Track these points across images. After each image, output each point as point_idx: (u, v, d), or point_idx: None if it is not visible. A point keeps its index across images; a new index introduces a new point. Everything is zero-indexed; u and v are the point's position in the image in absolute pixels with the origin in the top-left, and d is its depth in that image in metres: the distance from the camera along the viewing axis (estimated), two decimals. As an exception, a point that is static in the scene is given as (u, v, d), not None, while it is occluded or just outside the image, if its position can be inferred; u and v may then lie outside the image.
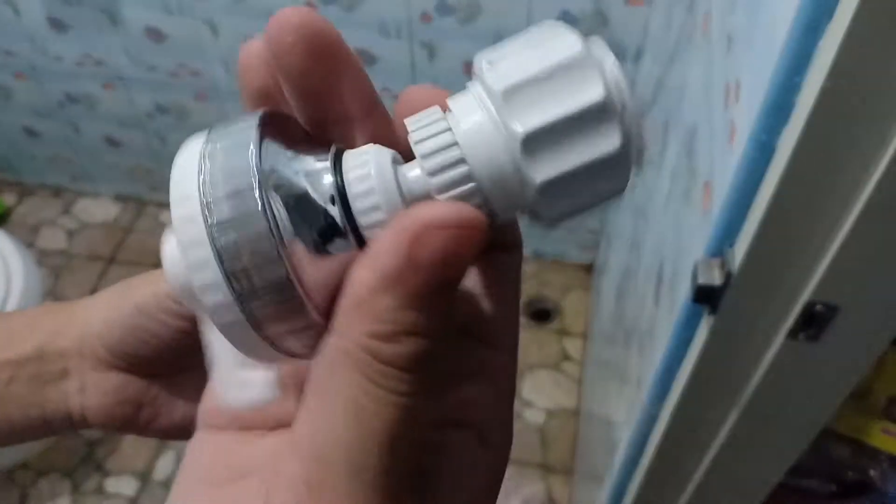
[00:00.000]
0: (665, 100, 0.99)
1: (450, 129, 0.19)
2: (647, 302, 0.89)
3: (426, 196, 0.20)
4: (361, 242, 0.19)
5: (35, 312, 0.35)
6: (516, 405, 1.72)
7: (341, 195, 0.19)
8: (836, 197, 0.43)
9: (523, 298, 1.96)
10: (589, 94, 0.18)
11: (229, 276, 0.18)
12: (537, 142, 0.18)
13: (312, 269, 0.18)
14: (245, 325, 0.18)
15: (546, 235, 1.94)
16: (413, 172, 0.20)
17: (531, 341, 1.88)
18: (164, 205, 2.15)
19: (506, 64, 0.19)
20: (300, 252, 0.18)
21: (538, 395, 1.77)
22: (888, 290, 0.47)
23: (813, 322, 0.50)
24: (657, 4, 1.29)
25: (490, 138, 0.19)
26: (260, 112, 0.20)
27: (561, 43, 0.19)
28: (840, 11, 0.37)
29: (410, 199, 0.20)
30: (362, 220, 0.19)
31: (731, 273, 0.50)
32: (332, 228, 0.19)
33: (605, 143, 0.18)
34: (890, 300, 0.48)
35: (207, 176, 0.19)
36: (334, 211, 0.19)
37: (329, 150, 0.20)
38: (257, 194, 0.18)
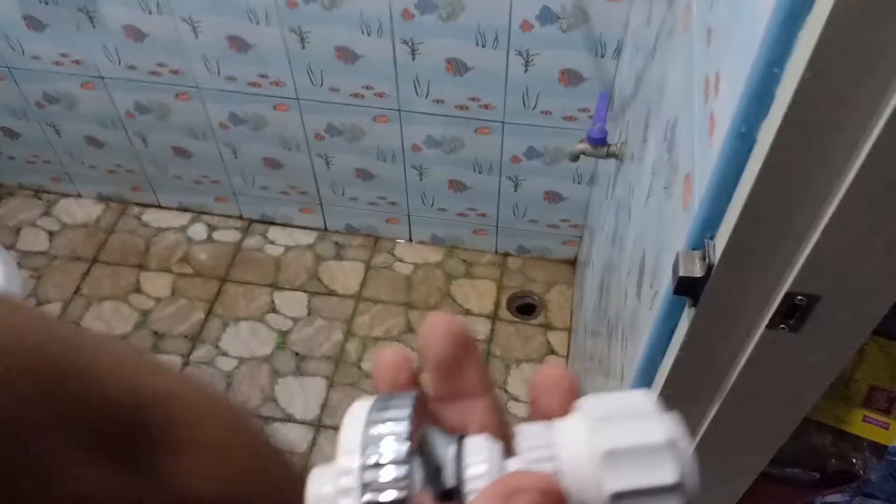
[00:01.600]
0: (646, 94, 0.99)
1: (551, 458, 0.25)
2: (629, 295, 0.89)
3: None
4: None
5: None
6: (502, 400, 1.73)
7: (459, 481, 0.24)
8: (816, 188, 0.44)
9: (508, 294, 1.97)
10: (665, 475, 0.23)
11: None
12: (620, 500, 0.24)
13: None
14: None
15: (529, 232, 1.95)
16: (514, 464, 0.25)
17: (516, 336, 1.89)
18: (146, 205, 2.14)
19: (611, 430, 0.24)
20: None
21: (524, 389, 1.78)
22: (868, 280, 0.48)
23: (794, 313, 0.50)
24: (637, -1, 1.30)
25: (583, 483, 0.24)
26: (412, 399, 0.26)
27: (653, 426, 0.24)
28: (818, 3, 0.37)
29: None
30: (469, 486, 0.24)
31: (712, 265, 0.51)
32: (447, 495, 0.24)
33: None
34: (870, 290, 0.49)
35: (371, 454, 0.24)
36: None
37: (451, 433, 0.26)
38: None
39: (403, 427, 0.24)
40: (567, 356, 1.85)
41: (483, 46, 1.50)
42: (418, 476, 0.24)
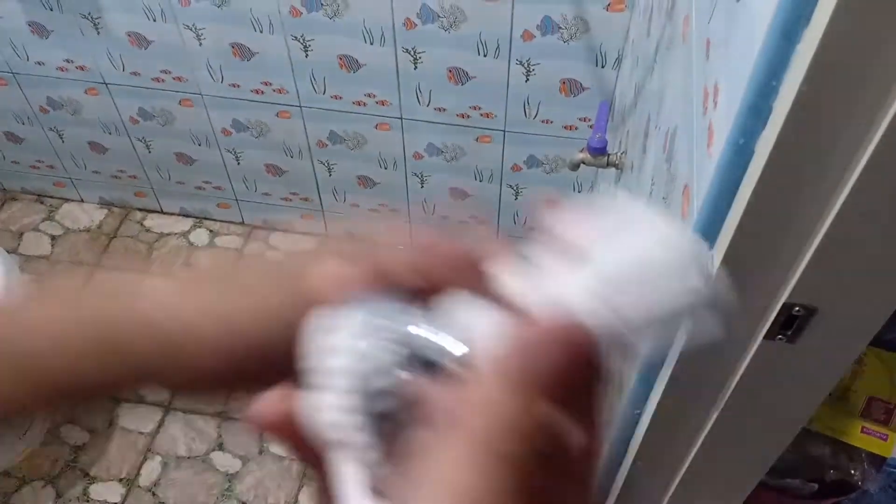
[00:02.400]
0: (645, 104, 1.00)
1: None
2: (629, 304, 0.89)
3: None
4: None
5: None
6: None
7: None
8: (813, 200, 0.44)
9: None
10: (693, 282, 0.23)
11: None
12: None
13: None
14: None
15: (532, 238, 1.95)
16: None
17: (516, 345, 1.88)
18: (148, 210, 2.14)
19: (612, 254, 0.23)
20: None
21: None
22: (865, 291, 0.48)
23: (791, 323, 0.51)
24: (637, 10, 1.30)
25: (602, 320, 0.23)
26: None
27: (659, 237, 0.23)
28: (816, 17, 0.37)
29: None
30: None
31: (710, 275, 0.51)
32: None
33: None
34: (867, 301, 0.49)
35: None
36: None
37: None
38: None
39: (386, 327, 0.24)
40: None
41: (484, 56, 1.51)
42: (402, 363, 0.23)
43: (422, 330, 0.24)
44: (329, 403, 0.23)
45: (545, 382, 0.22)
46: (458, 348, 0.23)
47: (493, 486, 0.21)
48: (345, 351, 0.24)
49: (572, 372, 0.22)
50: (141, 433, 1.69)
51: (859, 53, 0.37)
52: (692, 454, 0.66)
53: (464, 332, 0.24)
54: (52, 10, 1.62)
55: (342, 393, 0.23)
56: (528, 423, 0.22)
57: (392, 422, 0.23)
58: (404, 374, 0.23)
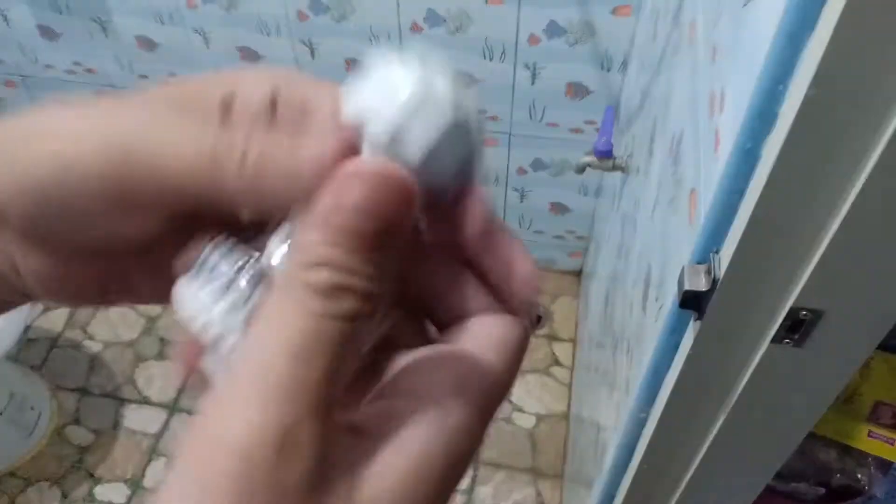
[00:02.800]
0: (651, 108, 1.00)
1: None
2: (634, 307, 0.89)
3: None
4: None
5: None
6: (507, 411, 1.73)
7: None
8: (820, 203, 0.44)
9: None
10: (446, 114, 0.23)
11: None
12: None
13: None
14: None
15: (535, 242, 1.95)
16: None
17: (521, 348, 1.88)
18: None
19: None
20: None
21: (528, 400, 1.78)
22: (873, 294, 0.48)
23: (798, 327, 0.51)
24: (643, 15, 1.30)
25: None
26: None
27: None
28: (823, 21, 0.38)
29: None
30: None
31: (717, 279, 0.51)
32: None
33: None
34: (875, 305, 0.49)
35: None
36: None
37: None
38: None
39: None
40: (572, 367, 1.85)
41: (490, 59, 1.51)
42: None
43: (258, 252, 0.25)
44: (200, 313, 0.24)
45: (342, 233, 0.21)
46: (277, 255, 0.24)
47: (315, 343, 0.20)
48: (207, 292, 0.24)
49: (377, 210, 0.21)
50: (146, 434, 1.70)
51: (866, 57, 0.37)
52: (699, 458, 0.66)
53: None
54: (61, 12, 1.63)
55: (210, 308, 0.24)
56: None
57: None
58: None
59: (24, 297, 0.26)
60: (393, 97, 0.23)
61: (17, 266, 0.25)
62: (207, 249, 0.24)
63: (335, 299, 0.20)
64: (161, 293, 0.26)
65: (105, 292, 0.27)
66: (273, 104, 0.24)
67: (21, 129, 0.24)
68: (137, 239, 0.25)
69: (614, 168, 1.18)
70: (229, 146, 0.23)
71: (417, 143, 0.23)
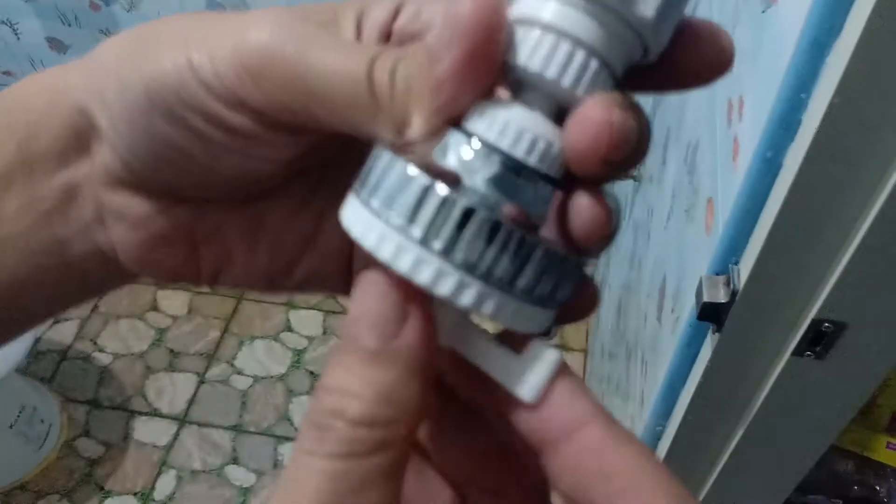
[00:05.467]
0: (665, 114, 0.99)
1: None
2: (649, 318, 0.88)
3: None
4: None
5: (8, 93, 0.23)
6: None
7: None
8: (842, 214, 0.43)
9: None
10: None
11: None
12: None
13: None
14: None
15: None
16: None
17: (532, 357, 1.87)
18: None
19: None
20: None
21: (539, 412, 1.76)
22: None
23: (820, 340, 0.50)
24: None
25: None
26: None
27: None
28: (848, 28, 0.37)
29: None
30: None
31: (737, 290, 0.50)
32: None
33: None
34: (897, 316, 0.48)
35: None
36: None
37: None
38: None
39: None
40: (584, 378, 1.84)
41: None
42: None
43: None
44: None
45: None
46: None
47: None
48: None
49: None
50: (156, 446, 1.69)
51: (892, 65, 0.36)
52: (717, 471, 0.65)
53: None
54: (69, 25, 1.63)
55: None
56: None
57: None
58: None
59: (107, 271, 0.24)
60: None
61: (106, 222, 0.23)
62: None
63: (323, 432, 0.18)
64: (252, 271, 0.24)
65: (198, 261, 0.24)
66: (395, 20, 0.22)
67: (147, 33, 0.22)
68: (252, 175, 0.22)
69: (626, 177, 1.17)
70: (382, 61, 0.20)
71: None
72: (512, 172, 0.19)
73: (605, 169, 0.19)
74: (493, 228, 0.18)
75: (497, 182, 0.19)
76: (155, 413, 1.76)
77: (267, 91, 0.20)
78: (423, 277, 0.18)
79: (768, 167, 0.45)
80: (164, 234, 0.23)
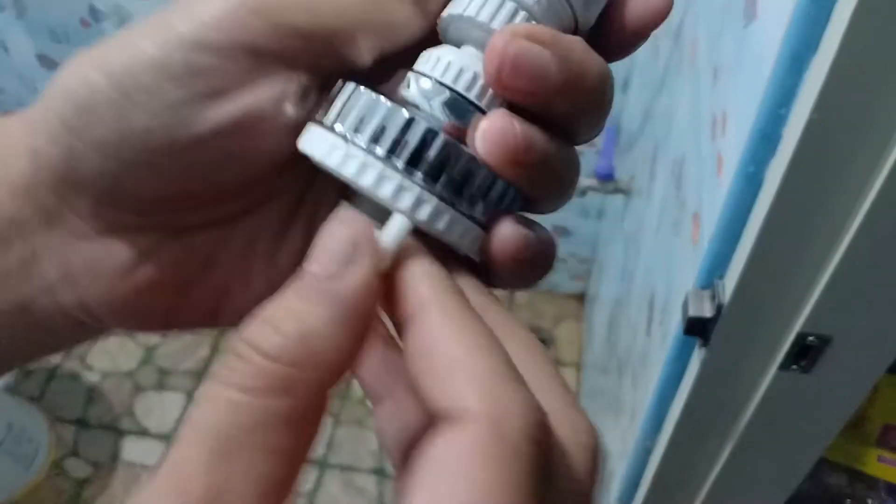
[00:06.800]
0: (653, 129, 0.99)
1: None
2: (639, 332, 0.88)
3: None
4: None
5: None
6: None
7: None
8: (825, 227, 0.43)
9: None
10: None
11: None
12: None
13: None
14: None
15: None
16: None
17: (524, 372, 1.86)
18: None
19: None
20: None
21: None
22: (881, 319, 0.47)
23: (806, 353, 0.50)
24: (643, 35, 1.30)
25: None
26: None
27: None
28: (825, 44, 0.37)
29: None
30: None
31: (722, 305, 0.50)
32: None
33: None
34: (883, 329, 0.48)
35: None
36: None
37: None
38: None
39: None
40: (577, 393, 1.83)
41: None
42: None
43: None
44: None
45: None
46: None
47: None
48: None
49: None
50: (145, 466, 1.68)
51: (869, 80, 0.36)
52: (706, 487, 0.65)
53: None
54: (60, 42, 1.63)
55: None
56: None
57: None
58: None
59: (79, 328, 0.23)
60: None
61: (76, 281, 0.22)
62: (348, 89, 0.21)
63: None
64: (253, 300, 0.21)
65: (190, 306, 0.23)
66: None
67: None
68: (237, 173, 0.21)
69: (616, 191, 1.17)
70: None
71: None
72: (461, 98, 0.21)
73: (515, 93, 0.20)
74: (448, 148, 0.20)
75: (450, 106, 0.21)
76: (144, 432, 1.75)
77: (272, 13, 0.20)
78: (384, 191, 0.19)
79: (750, 182, 0.45)
80: (149, 280, 0.22)
